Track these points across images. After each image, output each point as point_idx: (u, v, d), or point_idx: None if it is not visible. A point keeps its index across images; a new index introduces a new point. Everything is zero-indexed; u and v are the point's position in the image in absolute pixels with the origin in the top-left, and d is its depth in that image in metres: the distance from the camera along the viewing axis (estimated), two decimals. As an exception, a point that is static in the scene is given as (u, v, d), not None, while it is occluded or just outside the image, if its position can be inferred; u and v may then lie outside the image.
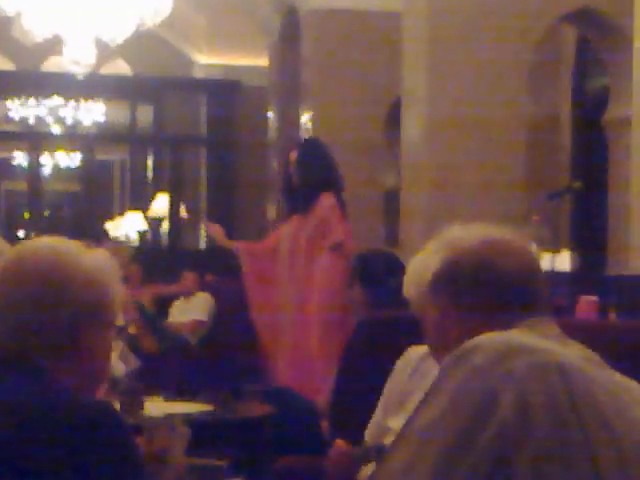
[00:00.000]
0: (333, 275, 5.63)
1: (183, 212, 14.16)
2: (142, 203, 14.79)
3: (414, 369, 2.76)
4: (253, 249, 6.09)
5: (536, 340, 1.77)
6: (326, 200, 5.70)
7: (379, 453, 2.18)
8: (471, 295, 1.89)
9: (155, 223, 14.52)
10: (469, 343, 1.74)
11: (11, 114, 14.71)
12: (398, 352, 2.85)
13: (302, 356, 5.68)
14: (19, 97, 14.52)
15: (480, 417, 1.64)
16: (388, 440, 2.53)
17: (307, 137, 9.00)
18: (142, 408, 4.38)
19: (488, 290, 1.88)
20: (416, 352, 2.76)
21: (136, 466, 1.71)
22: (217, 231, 6.27)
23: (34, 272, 1.81)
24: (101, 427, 1.66)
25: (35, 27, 8.89)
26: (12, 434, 1.63)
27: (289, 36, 11.07)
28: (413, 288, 2.17)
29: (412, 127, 7.70)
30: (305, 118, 10.09)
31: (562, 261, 7.55)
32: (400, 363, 2.82)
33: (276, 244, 5.96)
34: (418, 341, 2.41)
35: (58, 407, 1.68)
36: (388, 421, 2.76)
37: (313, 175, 5.72)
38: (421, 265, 2.07)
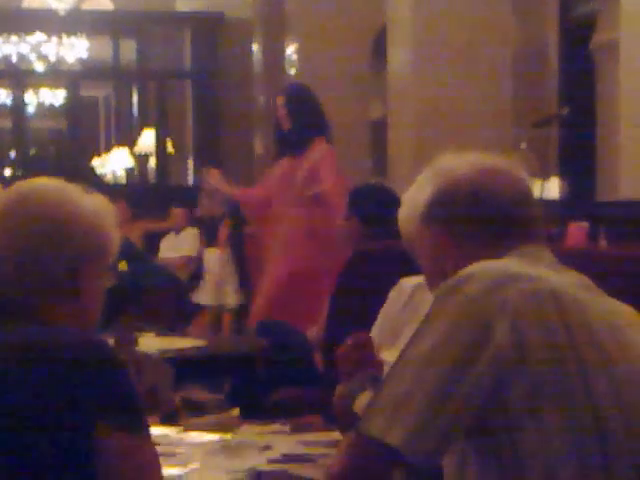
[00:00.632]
0: (303, 224, 5.66)
1: (170, 147, 14.10)
2: (128, 139, 14.70)
3: (407, 300, 2.76)
4: (250, 197, 6.06)
5: (530, 268, 1.77)
6: (320, 145, 5.67)
7: (374, 383, 2.19)
8: (466, 223, 1.88)
9: (142, 159, 14.45)
10: (463, 272, 1.74)
11: (-7, 52, 14.55)
12: (391, 283, 2.85)
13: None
14: (0, 34, 14.36)
15: (476, 344, 1.65)
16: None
17: (292, 83, 8.90)
18: (135, 345, 4.39)
19: (483, 218, 1.87)
20: (409, 283, 2.76)
21: (134, 401, 1.72)
22: (217, 178, 6.22)
23: (39, 213, 1.81)
24: (98, 363, 1.68)
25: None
26: (13, 373, 1.65)
27: (272, -34, 10.93)
28: (407, 219, 2.15)
29: (398, 56, 7.65)
30: (290, 49, 10.00)
31: (551, 189, 7.55)
32: (393, 294, 2.83)
33: (269, 191, 5.91)
34: (411, 272, 2.41)
35: (56, 346, 1.69)
36: (382, 352, 2.76)
37: (304, 119, 5.69)
38: (414, 195, 2.05)
